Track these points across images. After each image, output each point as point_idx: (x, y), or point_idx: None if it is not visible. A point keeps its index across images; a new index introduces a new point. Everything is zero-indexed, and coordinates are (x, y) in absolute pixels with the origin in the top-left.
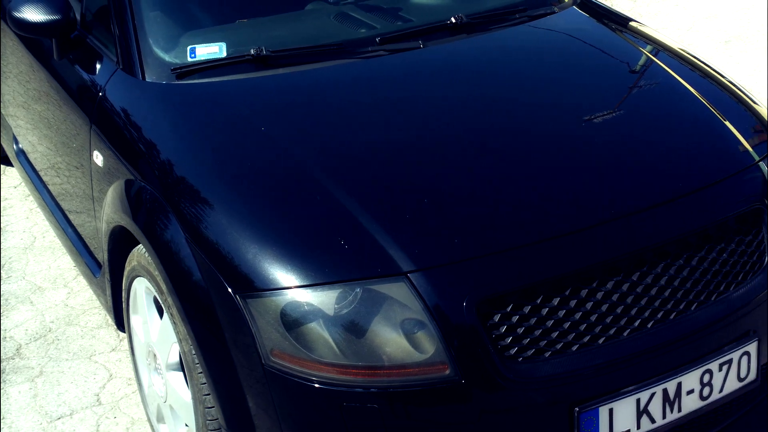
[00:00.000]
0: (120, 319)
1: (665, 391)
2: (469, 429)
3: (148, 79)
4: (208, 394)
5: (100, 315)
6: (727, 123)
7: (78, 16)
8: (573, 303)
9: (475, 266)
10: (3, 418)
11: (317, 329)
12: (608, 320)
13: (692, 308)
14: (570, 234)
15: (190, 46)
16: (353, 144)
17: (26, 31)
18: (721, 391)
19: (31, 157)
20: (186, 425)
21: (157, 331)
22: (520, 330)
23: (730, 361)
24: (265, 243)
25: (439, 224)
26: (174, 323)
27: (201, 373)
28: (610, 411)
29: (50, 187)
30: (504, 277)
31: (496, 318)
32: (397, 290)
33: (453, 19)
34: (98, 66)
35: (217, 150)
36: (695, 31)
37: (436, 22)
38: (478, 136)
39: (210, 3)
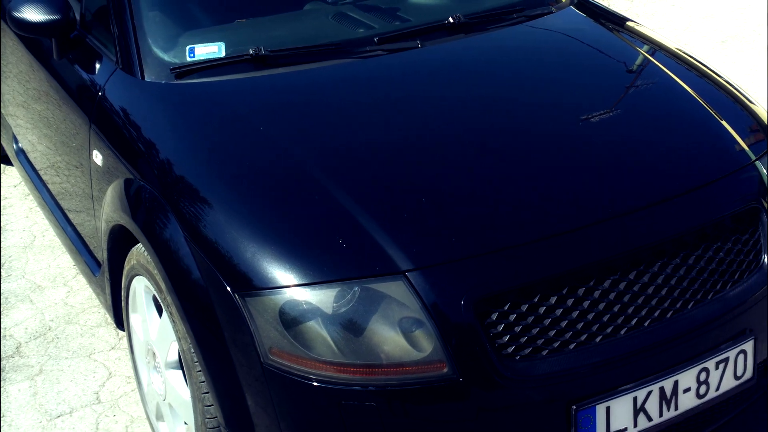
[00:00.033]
0: (119, 317)
1: (662, 389)
2: (467, 427)
3: (147, 79)
4: (207, 393)
5: (99, 313)
6: (723, 122)
7: (77, 16)
8: (570, 302)
9: (473, 265)
10: (3, 416)
11: (316, 328)
12: (605, 319)
13: (689, 307)
14: (567, 233)
15: (189, 46)
16: (352, 143)
17: (26, 31)
18: (717, 389)
19: (31, 156)
20: (185, 423)
21: (157, 330)
22: (518, 328)
23: (726, 360)
24: (264, 242)
25: (437, 223)
26: (173, 322)
27: (200, 371)
28: (607, 409)
29: (50, 186)
30: (501, 276)
31: (494, 317)
32: (395, 289)
33: (451, 19)
34: (98, 66)
35: (216, 149)
36: (692, 30)
37: (433, 22)
38: (475, 136)
39: (209, 3)
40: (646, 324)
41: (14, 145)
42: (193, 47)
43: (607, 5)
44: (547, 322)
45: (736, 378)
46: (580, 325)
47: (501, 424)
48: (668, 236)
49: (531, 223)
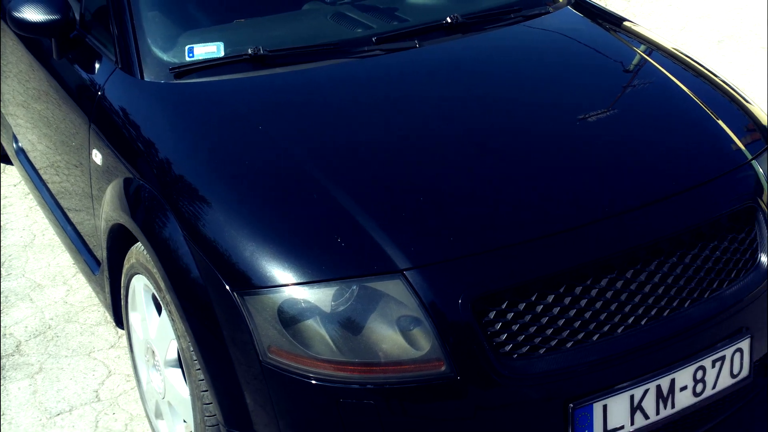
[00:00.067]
0: (119, 316)
1: (659, 387)
2: (465, 425)
3: (146, 79)
4: (206, 391)
5: (99, 312)
6: (720, 122)
7: (77, 16)
8: (567, 300)
9: (471, 264)
10: (3, 414)
11: (314, 326)
12: (602, 317)
13: (685, 305)
14: (564, 232)
15: (188, 46)
16: (350, 143)
17: (26, 31)
18: (714, 387)
19: (31, 155)
20: (184, 421)
21: (156, 328)
22: (515, 327)
23: (723, 358)
24: (263, 241)
25: (435, 223)
26: (172, 320)
27: (199, 369)
28: (604, 407)
29: (50, 186)
30: (499, 275)
31: (492, 315)
32: (393, 288)
33: (448, 19)
34: (97, 65)
35: (215, 148)
36: (688, 30)
37: (431, 22)
38: (473, 136)
39: (208, 3)
40: (643, 322)
41: (14, 145)
42: (192, 47)
43: (604, 5)
44: (545, 320)
45: (733, 376)
46: (577, 324)
47: (498, 422)
48: (665, 235)
49: (528, 222)
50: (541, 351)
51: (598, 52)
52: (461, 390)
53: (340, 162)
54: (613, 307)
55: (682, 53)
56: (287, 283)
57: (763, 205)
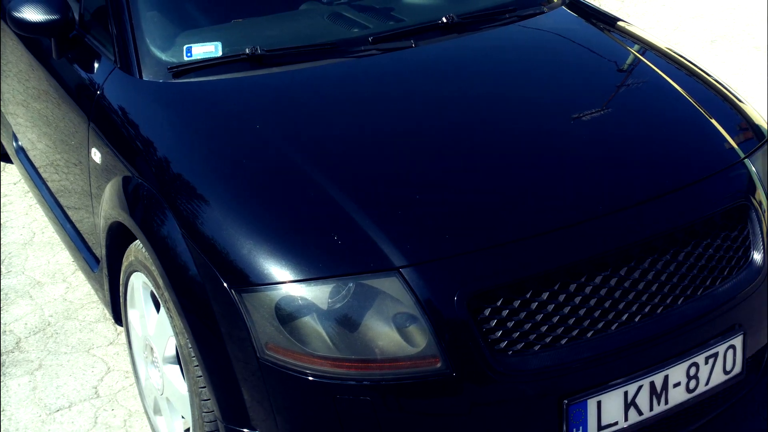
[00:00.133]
0: (117, 313)
1: (652, 383)
2: (460, 421)
3: (145, 78)
4: (204, 387)
5: (98, 309)
6: (713, 121)
7: (76, 16)
8: (562, 297)
9: (466, 261)
10: (3, 410)
11: (311, 323)
12: (596, 314)
13: (679, 302)
14: (559, 230)
15: (187, 46)
16: (347, 141)
17: (26, 31)
18: (707, 383)
19: (31, 154)
20: (182, 417)
21: (154, 325)
22: (510, 324)
23: (716, 355)
24: (260, 238)
25: (431, 220)
26: (170, 317)
27: (197, 366)
28: (599, 403)
29: (49, 184)
30: (494, 272)
31: (487, 312)
32: (389, 285)
33: (444, 19)
34: (96, 65)
35: (213, 147)
36: (682, 30)
37: (427, 21)
38: (469, 134)
39: (206, 3)
40: (636, 319)
41: (14, 143)
42: (190, 47)
43: (598, 5)
44: (539, 317)
45: (726, 373)
46: (571, 321)
47: (493, 418)
48: (659, 233)
49: (523, 220)
50: (536, 348)
51: (592, 51)
52: (457, 386)
53: (337, 160)
54: (607, 304)
55: (675, 53)
56: (284, 281)
57: (756, 204)
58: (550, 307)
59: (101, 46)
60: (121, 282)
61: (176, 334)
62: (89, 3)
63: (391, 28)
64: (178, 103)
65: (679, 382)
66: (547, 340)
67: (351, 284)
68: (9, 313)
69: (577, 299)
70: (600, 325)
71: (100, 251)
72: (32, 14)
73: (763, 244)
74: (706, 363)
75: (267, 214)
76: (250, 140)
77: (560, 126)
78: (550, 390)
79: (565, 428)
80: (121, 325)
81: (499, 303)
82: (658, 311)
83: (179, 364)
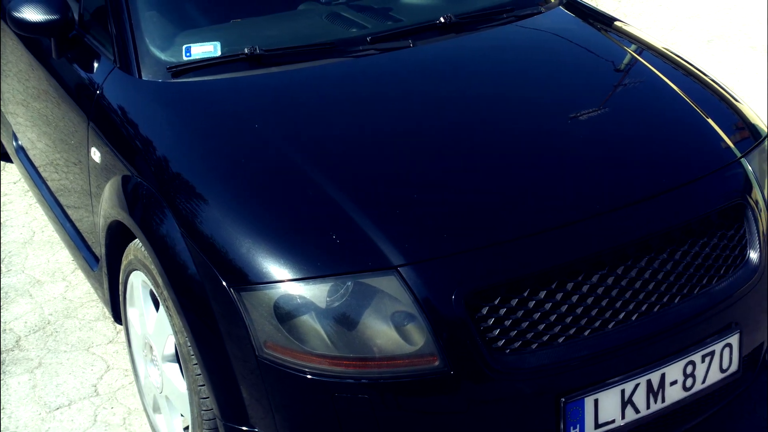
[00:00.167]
0: (117, 311)
1: (649, 381)
2: (458, 419)
3: (144, 78)
4: (203, 385)
5: (97, 308)
6: (709, 120)
7: (76, 16)
8: (559, 296)
9: (464, 260)
10: (3, 408)
11: (309, 322)
12: (593, 313)
13: (675, 301)
14: (556, 229)
15: (186, 46)
16: (345, 141)
17: (25, 31)
18: (703, 382)
19: (31, 153)
20: (181, 415)
21: (154, 324)
22: (508, 322)
23: (712, 353)
24: (259, 237)
25: (429, 219)
26: (170, 316)
27: (196, 364)
28: (596, 401)
29: (49, 183)
30: (492, 271)
31: (484, 311)
32: (387, 284)
33: (442, 19)
34: (96, 65)
35: (212, 146)
36: (678, 30)
37: (425, 21)
38: (466, 134)
39: (205, 3)
40: (633, 318)
41: (14, 143)
42: (190, 47)
43: (595, 5)
44: (537, 316)
45: (722, 371)
46: (568, 319)
47: (491, 417)
48: (655, 232)
49: (521, 219)
50: (533, 346)
51: (589, 51)
52: (454, 384)
53: (335, 159)
54: (604, 303)
55: (672, 53)
56: (283, 279)
57: (752, 202)
58: (548, 306)
59: (101, 46)
60: (120, 281)
61: (175, 333)
62: (89, 3)
63: (389, 28)
64: (177, 103)
65: (676, 381)
66: (545, 338)
67: (349, 283)
68: (9, 312)
69: (575, 298)
70: (597, 324)
71: (100, 250)
72: (32, 14)
73: (760, 242)
74: (703, 361)
75: (265, 213)
76: (249, 140)
77: (557, 126)
78: (548, 388)
79: (562, 426)
80: (121, 324)
81: (496, 301)
82: (655, 310)
83: (178, 362)
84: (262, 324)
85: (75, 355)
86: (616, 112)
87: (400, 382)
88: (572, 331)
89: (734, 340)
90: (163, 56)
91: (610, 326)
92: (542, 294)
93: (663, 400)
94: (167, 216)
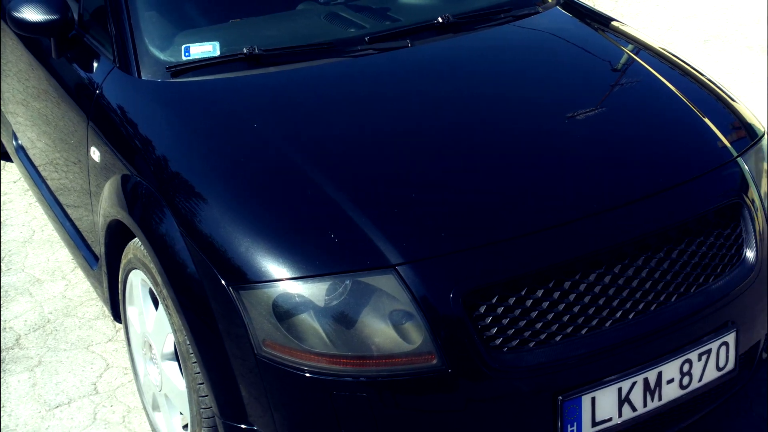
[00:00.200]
0: (116, 310)
1: (646, 380)
2: (456, 417)
3: (143, 77)
4: (202, 383)
5: (97, 306)
6: (706, 120)
7: (75, 16)
8: (556, 295)
9: (462, 259)
10: (3, 406)
11: (308, 320)
12: (591, 311)
13: (672, 300)
14: (554, 227)
15: (185, 45)
16: (343, 140)
17: (25, 31)
18: (700, 380)
19: (30, 153)
20: (180, 413)
21: (153, 322)
22: (506, 321)
23: (709, 351)
24: (258, 236)
25: (427, 218)
26: (169, 314)
27: (195, 362)
28: (593, 399)
29: (49, 182)
30: (490, 270)
31: (482, 309)
32: (385, 282)
33: (440, 19)
34: (95, 64)
35: (211, 146)
36: (675, 30)
37: (423, 21)
38: (464, 133)
39: (204, 3)
40: (630, 316)
41: (14, 142)
42: (189, 46)
43: (592, 5)
44: (534, 314)
45: (719, 369)
46: (566, 318)
47: (489, 415)
48: (652, 231)
49: (518, 218)
50: (531, 344)
51: (586, 51)
52: (452, 383)
53: (334, 159)
54: (601, 302)
55: (669, 52)
56: (281, 278)
57: (749, 202)
58: (545, 304)
59: (100, 46)
60: (119, 279)
61: (174, 331)
62: (88, 3)
63: (387, 28)
64: (176, 102)
65: (673, 379)
66: (542, 336)
67: (348, 281)
68: (9, 310)
69: (572, 296)
70: (594, 322)
71: (99, 249)
72: (32, 14)
73: (756, 241)
74: (700, 359)
75: (264, 212)
76: (248, 139)
77: (553, 125)
78: (545, 386)
79: (559, 424)
80: (120, 322)
81: (494, 300)
82: (652, 308)
83: (177, 360)
84: (260, 322)
85: (75, 353)
86: (613, 112)
87: (398, 381)
88: (570, 329)
89: (731, 338)
90: (162, 56)
91: (607, 325)
92: (540, 293)
93: (660, 399)
94: (166, 215)
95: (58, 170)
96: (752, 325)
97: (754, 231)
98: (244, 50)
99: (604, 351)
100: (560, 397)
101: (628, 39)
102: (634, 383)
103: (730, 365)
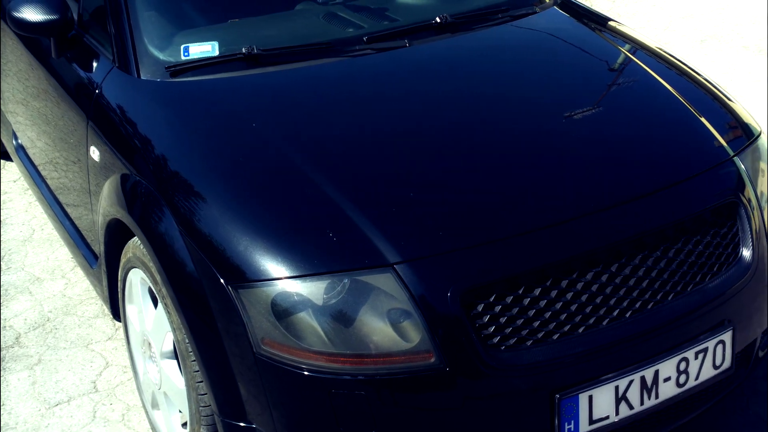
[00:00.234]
0: (116, 308)
1: (643, 378)
2: (453, 415)
3: (143, 77)
4: (201, 382)
5: (96, 305)
6: (702, 119)
7: (75, 16)
8: (554, 293)
9: (460, 258)
10: (3, 404)
11: (306, 319)
12: (588, 310)
13: (669, 298)
14: (551, 226)
15: (184, 45)
16: (341, 139)
17: (25, 31)
18: (696, 378)
19: (30, 152)
20: (180, 411)
21: (152, 321)
22: (503, 319)
23: (705, 350)
24: (256, 235)
25: (425, 217)
26: (168, 313)
27: (194, 361)
28: (590, 398)
29: (49, 182)
30: (487, 269)
31: (480, 308)
32: (383, 281)
33: (438, 19)
34: (95, 64)
35: (210, 145)
36: (672, 30)
37: (421, 21)
38: (461, 132)
39: (203, 3)
40: (627, 315)
41: (14, 142)
42: (188, 46)
43: (589, 5)
44: (532, 313)
45: (715, 367)
46: (563, 316)
47: (486, 413)
48: (649, 230)
49: (516, 216)
50: (528, 343)
51: (583, 51)
52: (450, 381)
53: (332, 158)
54: (598, 300)
55: (665, 52)
56: (280, 277)
57: (745, 201)
58: (543, 303)
59: (100, 46)
60: (119, 278)
61: (174, 330)
62: (88, 3)
63: (385, 28)
64: (175, 102)
65: (669, 377)
66: (540, 335)
67: (346, 280)
68: (9, 309)
69: (569, 295)
70: (591, 321)
71: (99, 248)
72: (32, 14)
73: (752, 240)
74: (696, 358)
75: (263, 211)
76: (247, 138)
77: (552, 124)
78: (542, 384)
79: (557, 422)
80: (120, 321)
81: (492, 299)
82: (649, 307)
83: (177, 359)
84: (259, 321)
85: (74, 351)
86: (610, 112)
87: (396, 379)
88: (567, 328)
89: (727, 336)
90: (161, 56)
91: (604, 323)
92: (537, 291)
93: (657, 397)
94: (166, 214)
95: (57, 169)
96: (749, 324)
97: (751, 230)
98: (243, 50)
99: (602, 349)
100: (557, 396)
101: (625, 39)
102: (631, 381)
103: (727, 363)
